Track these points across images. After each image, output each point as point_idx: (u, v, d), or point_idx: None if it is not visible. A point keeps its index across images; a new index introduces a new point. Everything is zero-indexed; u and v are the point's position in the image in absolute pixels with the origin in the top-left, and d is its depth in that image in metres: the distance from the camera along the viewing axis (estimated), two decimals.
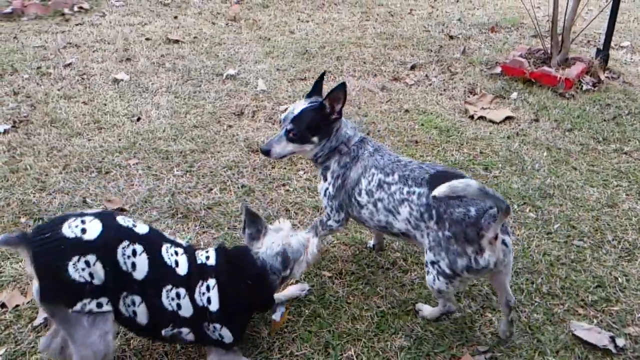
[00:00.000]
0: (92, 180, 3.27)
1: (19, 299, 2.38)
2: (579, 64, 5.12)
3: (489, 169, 3.59)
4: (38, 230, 1.75)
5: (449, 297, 2.24)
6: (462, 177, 2.02)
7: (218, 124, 4.06)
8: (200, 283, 1.94)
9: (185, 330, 1.91)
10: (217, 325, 1.94)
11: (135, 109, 4.21)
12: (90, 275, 1.72)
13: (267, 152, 2.35)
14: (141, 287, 1.83)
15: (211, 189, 3.27)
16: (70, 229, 1.74)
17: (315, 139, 2.31)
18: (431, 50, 5.80)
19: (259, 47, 5.68)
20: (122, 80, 4.68)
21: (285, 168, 3.51)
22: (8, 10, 6.39)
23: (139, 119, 4.04)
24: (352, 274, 2.63)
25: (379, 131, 4.00)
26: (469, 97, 4.68)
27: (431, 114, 4.33)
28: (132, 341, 2.22)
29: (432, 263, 2.12)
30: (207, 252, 2.08)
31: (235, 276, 2.00)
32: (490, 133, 4.09)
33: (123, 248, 1.81)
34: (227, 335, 1.96)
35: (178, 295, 1.89)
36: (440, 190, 1.83)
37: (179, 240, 2.09)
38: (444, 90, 4.85)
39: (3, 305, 2.34)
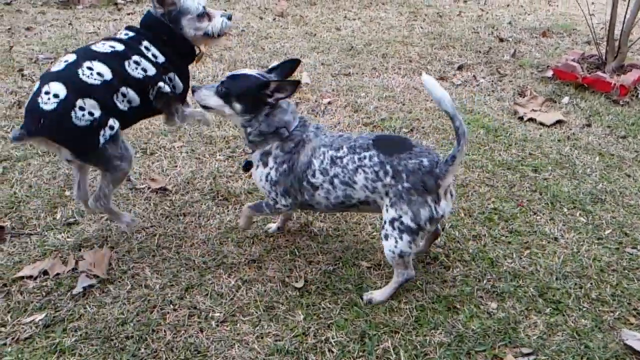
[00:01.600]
0: (137, 159, 3.32)
1: (60, 267, 2.42)
2: (635, 71, 4.90)
3: (539, 171, 3.45)
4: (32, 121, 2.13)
5: (409, 260, 2.24)
6: (403, 139, 2.32)
7: None
8: (139, 48, 2.42)
9: (160, 84, 2.47)
10: (171, 75, 2.55)
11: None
12: (90, 114, 2.19)
13: (194, 90, 2.31)
14: (117, 80, 2.29)
15: (251, 175, 3.26)
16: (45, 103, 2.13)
17: (237, 106, 2.23)
18: (480, 52, 5.66)
19: (304, 42, 5.68)
20: None
21: None
22: None
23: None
24: (390, 267, 2.55)
25: (423, 128, 3.92)
26: (518, 99, 4.53)
27: (478, 113, 4.21)
28: (167, 316, 2.22)
29: (393, 221, 2.15)
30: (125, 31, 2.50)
31: (156, 37, 2.48)
32: (540, 135, 3.94)
33: (88, 70, 2.24)
34: (178, 86, 2.62)
35: (137, 63, 2.38)
36: (428, 78, 2.02)
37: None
38: (492, 91, 4.71)
39: (45, 273, 2.38)
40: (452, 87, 4.74)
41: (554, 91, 4.71)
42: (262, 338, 2.14)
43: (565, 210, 3.08)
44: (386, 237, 2.18)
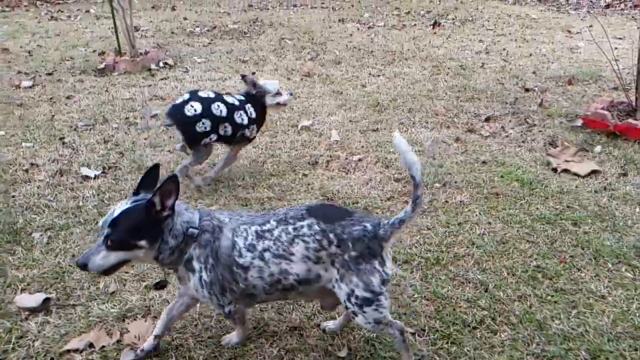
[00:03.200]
0: None
1: (105, 339, 2.43)
2: None
3: (578, 224, 3.39)
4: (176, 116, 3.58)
5: (388, 320, 2.14)
6: (337, 207, 2.34)
7: (294, 173, 4.12)
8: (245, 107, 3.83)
9: (246, 131, 3.80)
10: (254, 126, 3.88)
11: (216, 158, 4.37)
12: (206, 127, 3.59)
13: (83, 266, 1.98)
14: (226, 118, 3.68)
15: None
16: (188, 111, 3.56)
17: (142, 243, 1.99)
18: (506, 103, 5.70)
19: (331, 100, 5.81)
20: None
21: None
22: (101, 66, 6.96)
23: None
24: (436, 331, 2.50)
25: (455, 182, 3.91)
26: (549, 149, 4.51)
27: (511, 165, 4.19)
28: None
29: (350, 297, 2.06)
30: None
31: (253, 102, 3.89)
32: (576, 187, 3.89)
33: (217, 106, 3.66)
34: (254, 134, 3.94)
35: (241, 115, 3.76)
36: (399, 140, 2.01)
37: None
38: (522, 142, 4.71)
39: (91, 345, 2.40)
40: (481, 139, 4.75)
41: (585, 140, 4.68)
42: None
43: (610, 265, 2.99)
44: (355, 314, 2.10)
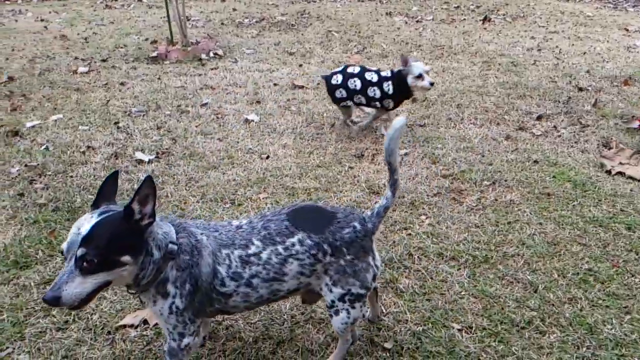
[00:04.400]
0: (225, 210, 3.47)
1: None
2: None
3: (632, 229, 3.28)
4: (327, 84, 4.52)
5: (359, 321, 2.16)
6: (317, 207, 2.18)
7: (339, 165, 4.15)
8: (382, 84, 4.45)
9: (378, 103, 4.53)
10: (389, 100, 4.52)
11: (264, 147, 4.45)
12: (342, 94, 4.52)
13: (55, 301, 1.63)
14: (360, 91, 4.50)
15: None
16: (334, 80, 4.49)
17: (126, 258, 1.70)
18: (559, 101, 5.54)
19: None
20: (253, 120, 4.98)
21: (406, 212, 3.47)
22: (154, 54, 7.15)
23: (267, 157, 4.25)
24: (483, 329, 2.48)
25: (505, 181, 3.85)
26: (603, 151, 4.37)
27: (563, 166, 4.09)
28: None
29: (343, 297, 2.02)
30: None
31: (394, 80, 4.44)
32: (630, 190, 3.76)
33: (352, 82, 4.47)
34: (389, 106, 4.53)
35: (374, 90, 4.47)
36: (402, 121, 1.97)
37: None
38: (575, 142, 4.58)
39: (145, 322, 2.50)
40: (532, 138, 4.64)
41: None
42: None
43: None
44: (336, 312, 2.06)
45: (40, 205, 3.50)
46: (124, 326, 2.48)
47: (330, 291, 2.02)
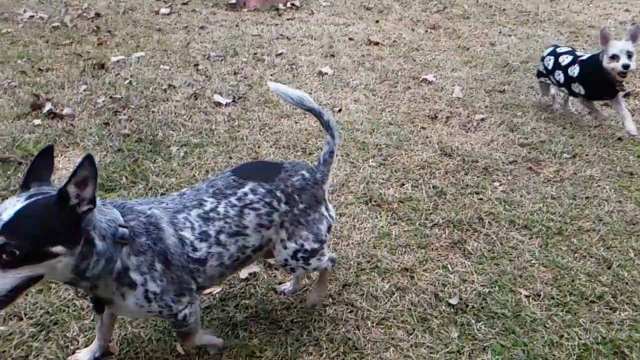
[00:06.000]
0: (297, 157, 3.53)
1: None
2: None
3: None
4: None
5: (326, 262, 2.14)
6: (262, 162, 2.16)
7: (412, 124, 4.10)
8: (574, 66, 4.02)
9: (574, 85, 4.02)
10: (576, 84, 3.99)
11: (336, 100, 4.45)
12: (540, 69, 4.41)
13: None
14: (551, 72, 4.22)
15: (403, 184, 3.31)
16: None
17: (58, 249, 1.46)
18: None
19: (456, 56, 5.61)
20: (327, 73, 4.98)
21: (479, 177, 3.41)
22: (233, 1, 7.21)
23: (339, 110, 4.26)
24: (551, 298, 2.45)
25: (587, 155, 3.69)
26: None
27: None
28: (327, 308, 2.34)
29: (296, 254, 1.98)
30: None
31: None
32: None
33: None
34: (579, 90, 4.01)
35: (574, 69, 3.98)
36: (275, 85, 1.97)
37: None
38: None
39: None
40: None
41: None
42: (416, 347, 2.17)
43: None
44: (292, 270, 2.03)
45: (124, 135, 3.69)
46: None
47: (285, 247, 1.97)
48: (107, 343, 2.01)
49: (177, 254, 1.73)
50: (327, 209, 2.06)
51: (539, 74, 4.41)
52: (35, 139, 3.59)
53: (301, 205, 1.96)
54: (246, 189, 1.88)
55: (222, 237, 1.82)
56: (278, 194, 1.91)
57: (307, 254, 2.00)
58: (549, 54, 4.27)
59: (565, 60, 4.07)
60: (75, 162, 3.38)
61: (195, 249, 1.77)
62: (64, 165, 3.34)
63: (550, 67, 4.17)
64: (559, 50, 4.24)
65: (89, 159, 1.47)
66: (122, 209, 1.70)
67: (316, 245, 2.01)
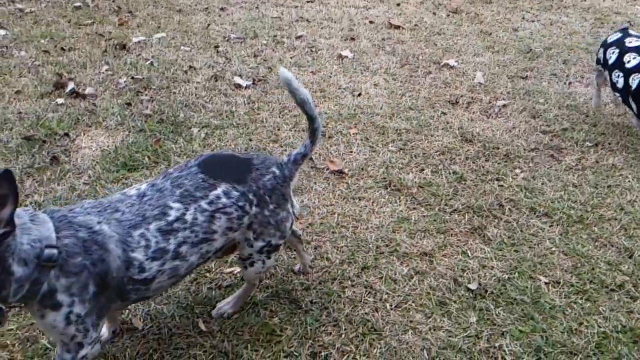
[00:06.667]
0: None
1: None
2: None
3: None
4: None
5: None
6: (230, 155, 2.02)
7: (432, 109, 4.07)
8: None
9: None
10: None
11: (356, 84, 4.43)
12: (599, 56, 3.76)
13: None
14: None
15: (423, 169, 3.30)
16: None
17: None
18: None
19: (478, 41, 5.54)
20: (346, 57, 4.95)
21: (500, 163, 3.39)
22: None
23: (359, 94, 4.25)
24: (571, 286, 2.44)
25: (609, 144, 3.63)
26: None
27: None
28: (346, 290, 2.36)
29: (262, 249, 1.95)
30: None
31: None
32: None
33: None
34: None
35: (618, 75, 3.41)
36: (286, 74, 1.88)
37: None
38: None
39: None
40: None
41: None
42: (434, 330, 2.19)
43: None
44: (251, 264, 1.98)
45: (146, 116, 3.73)
46: None
47: (251, 246, 1.92)
48: (117, 325, 2.04)
49: (117, 278, 1.58)
50: (292, 205, 2.01)
51: (598, 61, 3.82)
52: (58, 118, 3.65)
53: (271, 206, 1.89)
54: (219, 191, 1.75)
55: (184, 248, 1.68)
56: (250, 196, 1.83)
57: (272, 249, 1.97)
58: (613, 43, 3.57)
59: (632, 60, 3.32)
60: (98, 141, 3.43)
61: (142, 271, 1.62)
62: (87, 145, 3.39)
63: (611, 61, 3.48)
64: (628, 41, 3.47)
65: (7, 175, 1.28)
66: (60, 222, 1.52)
67: (281, 241, 2.00)
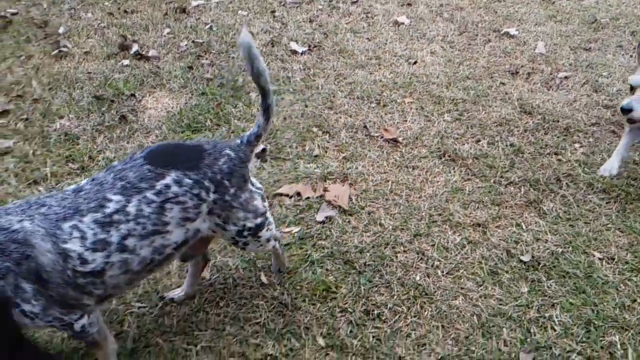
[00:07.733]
0: (371, 109, 3.57)
1: (310, 192, 2.79)
2: None
3: None
4: None
5: (274, 232, 2.08)
6: (178, 144, 1.99)
7: (490, 79, 4.01)
8: None
9: None
10: None
11: (412, 52, 4.39)
12: None
13: None
14: None
15: (479, 140, 3.29)
16: None
17: None
18: None
19: (541, 10, 5.33)
20: (403, 23, 4.89)
21: (559, 137, 3.33)
22: None
23: (415, 62, 4.22)
24: (625, 263, 2.43)
25: None
26: None
27: None
28: (398, 255, 2.44)
29: (241, 233, 1.89)
30: None
31: None
32: None
33: None
34: None
35: None
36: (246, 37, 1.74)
37: None
38: None
39: (298, 194, 2.78)
40: None
41: None
42: (485, 298, 2.25)
43: None
44: (245, 244, 1.95)
45: (207, 80, 3.85)
46: (281, 194, 2.78)
47: (226, 230, 1.87)
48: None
49: (56, 271, 1.54)
50: (253, 184, 1.94)
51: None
52: (124, 79, 3.83)
53: (231, 190, 1.81)
54: (168, 180, 1.68)
55: (130, 241, 1.63)
56: (206, 183, 1.75)
57: (253, 230, 1.92)
58: None
59: None
60: (163, 103, 3.59)
61: (85, 262, 1.57)
62: (152, 106, 3.56)
63: None
64: None
65: None
66: None
67: (259, 221, 1.93)
